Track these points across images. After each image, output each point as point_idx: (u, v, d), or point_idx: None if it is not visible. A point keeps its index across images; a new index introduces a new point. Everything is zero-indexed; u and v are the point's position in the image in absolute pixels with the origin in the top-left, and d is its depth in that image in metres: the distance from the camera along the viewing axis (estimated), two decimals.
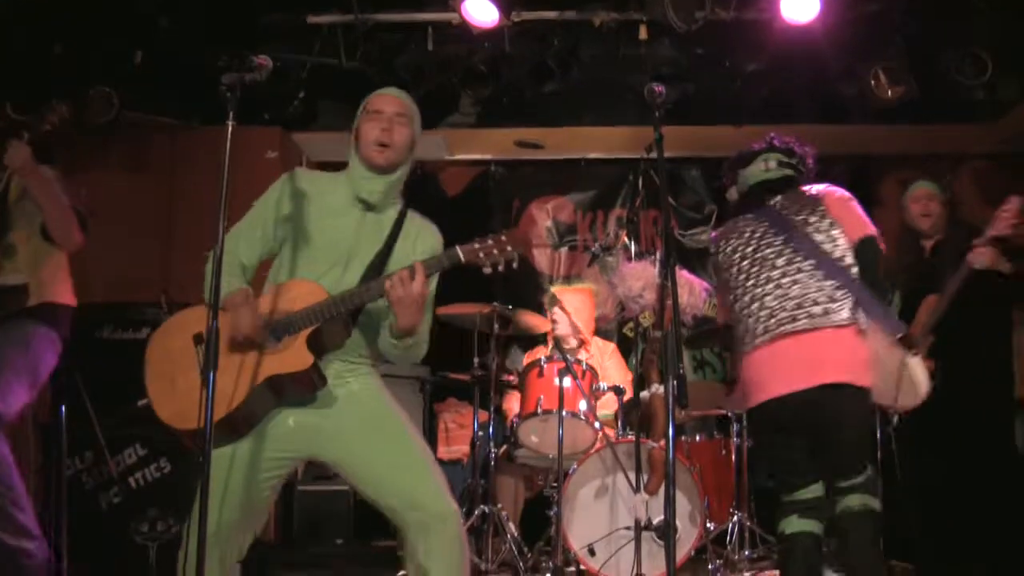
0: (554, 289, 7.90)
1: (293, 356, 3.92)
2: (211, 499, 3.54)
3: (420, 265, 3.86)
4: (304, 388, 4.01)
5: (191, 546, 3.47)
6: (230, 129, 3.64)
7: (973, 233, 5.83)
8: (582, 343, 7.60)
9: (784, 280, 4.72)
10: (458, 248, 3.92)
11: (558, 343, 7.33)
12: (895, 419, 6.07)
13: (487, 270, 3.88)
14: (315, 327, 3.94)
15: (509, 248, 3.88)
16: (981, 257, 5.58)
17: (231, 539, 4.00)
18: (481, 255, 3.88)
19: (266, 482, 4.06)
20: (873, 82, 7.48)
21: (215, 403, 3.76)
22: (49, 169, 5.19)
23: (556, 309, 7.54)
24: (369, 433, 4.08)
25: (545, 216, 9.84)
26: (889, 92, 7.49)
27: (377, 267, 4.12)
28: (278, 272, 4.18)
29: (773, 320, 4.72)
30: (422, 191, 9.49)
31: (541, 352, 7.44)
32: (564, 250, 9.76)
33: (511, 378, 7.28)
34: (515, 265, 3.91)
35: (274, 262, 4.23)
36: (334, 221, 4.14)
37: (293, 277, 4.10)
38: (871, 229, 4.83)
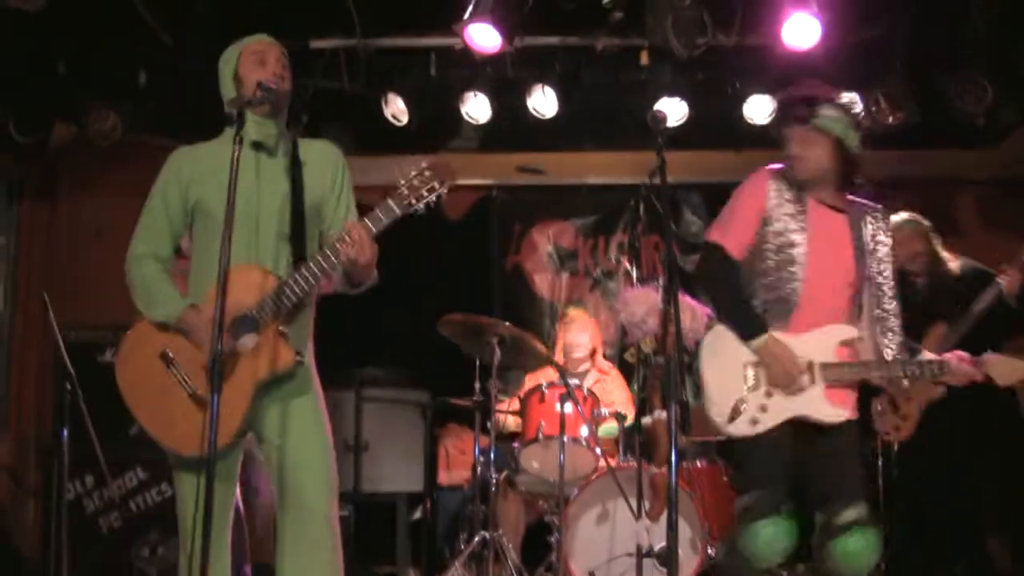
0: (570, 312, 7.89)
1: (275, 354, 3.91)
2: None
3: (361, 228, 3.83)
4: (289, 377, 4.03)
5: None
6: (236, 153, 3.63)
7: (962, 279, 6.23)
8: (593, 364, 7.60)
9: None
10: (389, 200, 3.86)
11: (560, 369, 7.31)
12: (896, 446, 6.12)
13: (420, 209, 3.88)
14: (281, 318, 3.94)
15: (436, 183, 3.85)
16: (1014, 282, 5.83)
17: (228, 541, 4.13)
18: (412, 200, 3.84)
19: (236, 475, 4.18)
20: (874, 107, 7.50)
21: (222, 424, 3.73)
22: None
23: (576, 332, 7.55)
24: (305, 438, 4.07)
25: (546, 241, 9.85)
26: (890, 117, 7.50)
27: (297, 208, 4.08)
28: (199, 254, 4.14)
29: None
30: (422, 216, 9.49)
31: (543, 377, 7.43)
32: (565, 275, 9.76)
33: (503, 405, 7.27)
34: (445, 194, 3.90)
35: (192, 245, 4.20)
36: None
37: (210, 252, 3.95)
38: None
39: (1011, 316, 5.91)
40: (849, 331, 4.45)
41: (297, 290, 3.90)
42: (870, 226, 4.57)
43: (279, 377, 3.97)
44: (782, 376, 4.37)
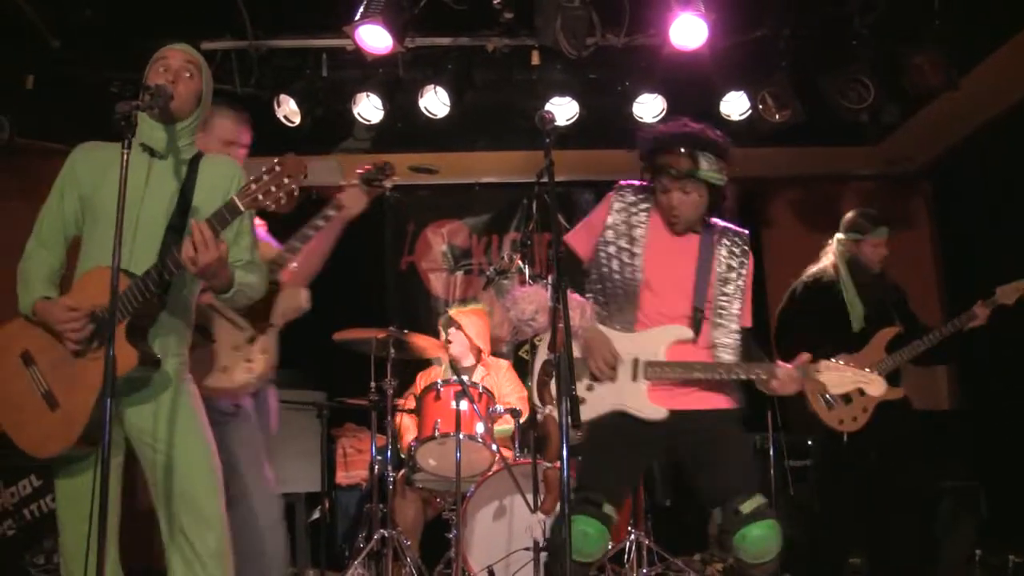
0: (450, 312, 7.95)
1: (118, 356, 3.69)
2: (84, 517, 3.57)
3: (204, 226, 3.71)
4: (138, 382, 3.93)
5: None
6: (125, 158, 3.58)
7: (897, 289, 6.58)
8: (478, 361, 7.66)
9: None
10: (234, 196, 3.76)
11: (453, 365, 7.38)
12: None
13: (272, 208, 3.72)
14: (128, 319, 3.83)
15: (287, 179, 3.68)
16: (981, 320, 6.15)
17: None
18: (260, 196, 3.70)
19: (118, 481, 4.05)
20: (760, 106, 7.65)
21: (68, 424, 3.79)
22: None
23: (452, 329, 7.61)
24: (181, 451, 3.97)
25: (440, 240, 9.90)
26: (776, 115, 7.65)
27: (178, 214, 4.02)
28: (85, 250, 4.07)
29: None
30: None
31: (436, 374, 7.47)
32: (459, 274, 9.82)
33: (403, 403, 7.29)
34: (296, 194, 3.71)
35: (82, 245, 4.12)
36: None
37: (94, 253, 3.97)
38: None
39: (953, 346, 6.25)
40: (682, 332, 4.54)
41: (144, 290, 3.82)
42: (723, 246, 4.70)
43: (127, 379, 3.85)
44: (596, 365, 4.49)
